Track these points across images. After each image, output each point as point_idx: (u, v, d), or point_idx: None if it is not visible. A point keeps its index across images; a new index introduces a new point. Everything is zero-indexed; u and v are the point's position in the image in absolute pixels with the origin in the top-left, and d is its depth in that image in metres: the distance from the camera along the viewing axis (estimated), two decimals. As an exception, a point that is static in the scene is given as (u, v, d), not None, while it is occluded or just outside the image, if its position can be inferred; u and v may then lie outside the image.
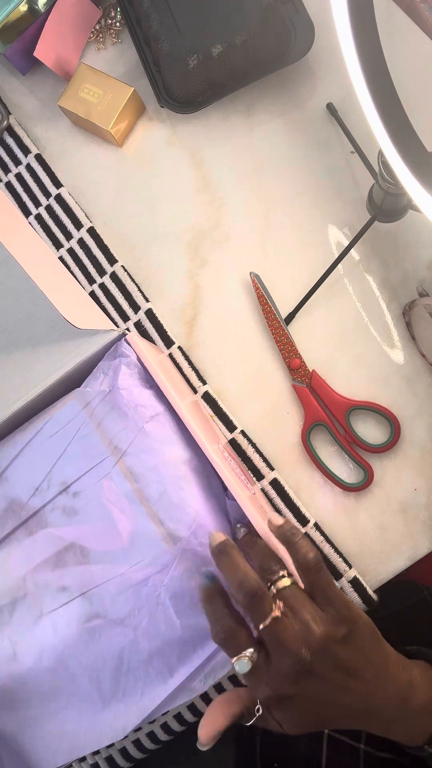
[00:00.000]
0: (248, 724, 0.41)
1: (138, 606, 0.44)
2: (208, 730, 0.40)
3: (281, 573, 0.41)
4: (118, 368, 0.47)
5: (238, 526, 0.46)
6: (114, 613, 0.45)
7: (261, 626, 0.39)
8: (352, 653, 0.39)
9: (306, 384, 0.55)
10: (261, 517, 0.48)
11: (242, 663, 0.39)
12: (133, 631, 0.45)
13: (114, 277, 0.60)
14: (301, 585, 0.41)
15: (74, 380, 0.49)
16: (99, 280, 0.60)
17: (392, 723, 0.41)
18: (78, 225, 0.61)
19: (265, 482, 0.54)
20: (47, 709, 0.47)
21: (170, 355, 0.58)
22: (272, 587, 0.40)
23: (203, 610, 0.42)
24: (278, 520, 0.42)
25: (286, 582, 0.40)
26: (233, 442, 0.55)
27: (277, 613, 0.39)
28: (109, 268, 0.60)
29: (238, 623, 0.40)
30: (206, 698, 0.54)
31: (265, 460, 0.55)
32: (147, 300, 0.59)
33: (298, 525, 0.53)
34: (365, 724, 0.41)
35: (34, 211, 0.62)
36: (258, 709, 0.40)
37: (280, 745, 0.55)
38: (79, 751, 0.45)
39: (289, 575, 0.41)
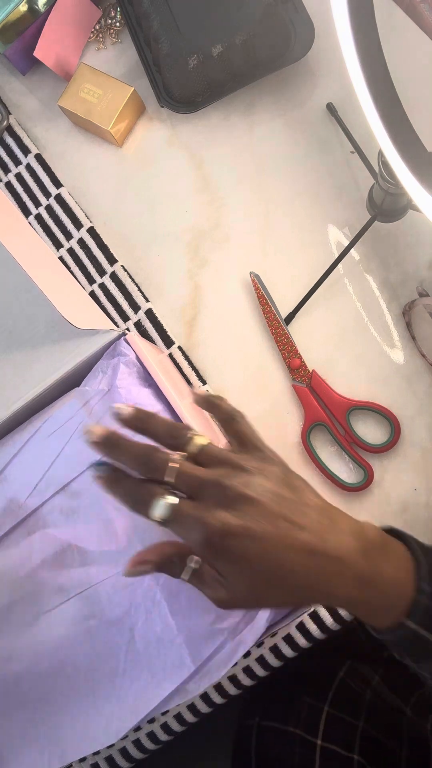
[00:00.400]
0: (181, 578, 0.37)
1: (134, 606, 0.44)
2: (133, 560, 0.37)
3: (189, 434, 0.38)
4: (117, 367, 0.47)
5: (117, 406, 0.39)
6: (110, 613, 0.45)
7: (168, 477, 0.35)
8: (290, 492, 0.36)
9: (306, 384, 0.55)
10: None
11: (159, 506, 0.35)
12: (129, 632, 0.45)
13: (114, 277, 0.60)
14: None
15: (74, 380, 0.49)
16: (99, 280, 0.60)
17: (349, 589, 0.35)
18: (78, 225, 0.61)
19: (265, 482, 0.54)
20: (42, 711, 0.46)
21: (170, 355, 0.58)
22: (193, 447, 0.37)
23: (112, 496, 0.37)
24: (200, 390, 0.41)
25: (200, 440, 0.37)
26: (233, 442, 0.55)
27: (180, 457, 0.36)
28: (109, 268, 0.60)
29: (155, 485, 0.36)
30: (207, 698, 0.54)
31: (265, 460, 0.55)
32: (147, 300, 0.59)
33: None
34: (318, 589, 0.35)
35: (34, 211, 0.62)
36: (195, 560, 0.36)
37: (275, 760, 0.55)
38: (74, 755, 0.45)
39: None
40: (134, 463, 0.37)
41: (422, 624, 0.35)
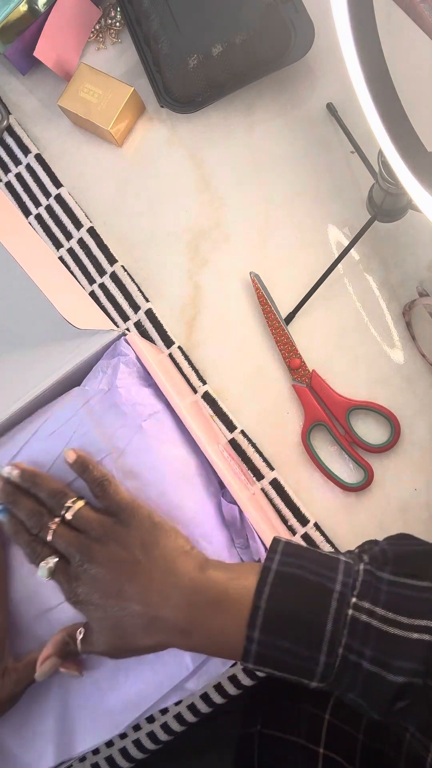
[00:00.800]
0: (78, 653, 0.43)
1: None
2: (38, 662, 0.43)
3: (66, 501, 0.44)
4: (117, 367, 0.47)
5: (5, 467, 0.46)
6: None
7: (49, 537, 0.43)
8: (123, 547, 0.41)
9: (306, 384, 0.55)
10: (260, 516, 0.48)
11: (41, 569, 0.43)
12: None
13: (114, 277, 0.60)
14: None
15: (74, 380, 0.49)
16: (99, 280, 0.60)
17: (175, 641, 0.40)
18: (78, 225, 0.61)
19: (265, 482, 0.54)
20: (41, 709, 0.47)
21: (170, 355, 0.58)
22: (68, 512, 0.43)
23: (16, 543, 0.45)
24: (72, 455, 0.45)
25: (79, 504, 0.44)
26: (233, 442, 0.55)
27: (56, 522, 0.43)
28: (109, 268, 0.60)
29: (39, 542, 0.43)
30: (207, 698, 0.54)
31: (265, 460, 0.55)
32: (147, 300, 0.59)
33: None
34: (158, 632, 0.40)
35: (34, 211, 0.62)
36: (80, 631, 0.42)
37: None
38: (81, 746, 0.45)
39: (80, 498, 0.44)
40: (26, 517, 0.44)
41: (260, 664, 0.37)
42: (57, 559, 0.43)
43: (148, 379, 0.49)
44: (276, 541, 0.40)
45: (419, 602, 0.36)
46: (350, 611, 0.36)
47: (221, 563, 0.41)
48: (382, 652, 0.35)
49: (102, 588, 0.41)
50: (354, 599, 0.36)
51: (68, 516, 0.43)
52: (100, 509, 0.44)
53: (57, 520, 0.43)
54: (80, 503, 0.44)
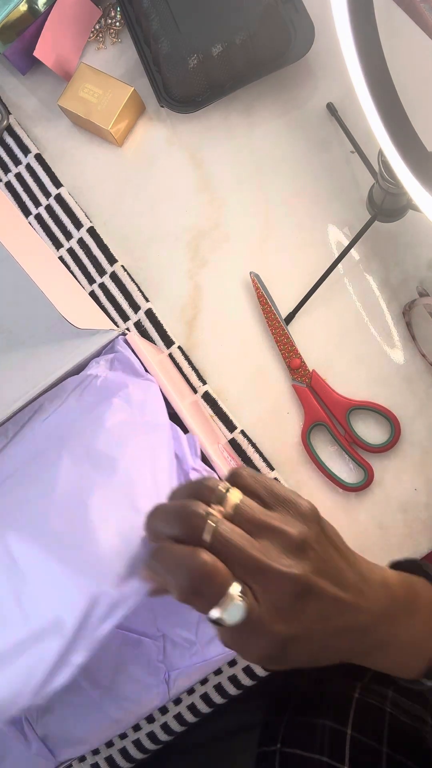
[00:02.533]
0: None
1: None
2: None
3: (220, 487, 0.31)
4: (111, 361, 0.47)
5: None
6: None
7: (207, 536, 0.29)
8: (333, 553, 0.33)
9: (306, 384, 0.55)
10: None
11: (234, 608, 0.28)
12: (125, 632, 0.45)
13: (114, 276, 0.60)
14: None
15: (74, 380, 0.49)
16: (99, 279, 0.60)
17: (382, 646, 0.34)
18: (78, 225, 0.61)
19: (265, 482, 0.54)
20: (40, 709, 0.47)
21: (170, 355, 0.58)
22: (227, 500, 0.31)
23: (158, 566, 0.31)
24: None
25: (235, 496, 0.31)
26: (233, 442, 0.55)
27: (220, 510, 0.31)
28: (109, 268, 0.60)
29: (210, 557, 0.29)
30: (207, 699, 0.54)
31: (265, 460, 0.55)
32: (147, 300, 0.59)
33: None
34: (357, 650, 0.34)
35: (34, 210, 0.62)
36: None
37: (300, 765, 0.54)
38: (91, 743, 0.46)
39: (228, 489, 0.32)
40: (166, 520, 0.31)
41: None
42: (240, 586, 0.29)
43: (141, 375, 0.48)
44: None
45: None
46: None
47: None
48: None
49: (318, 570, 0.31)
50: None
51: (227, 507, 0.30)
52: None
53: (214, 509, 0.30)
54: (237, 493, 0.31)
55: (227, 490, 0.31)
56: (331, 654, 0.33)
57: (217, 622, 0.29)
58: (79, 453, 0.39)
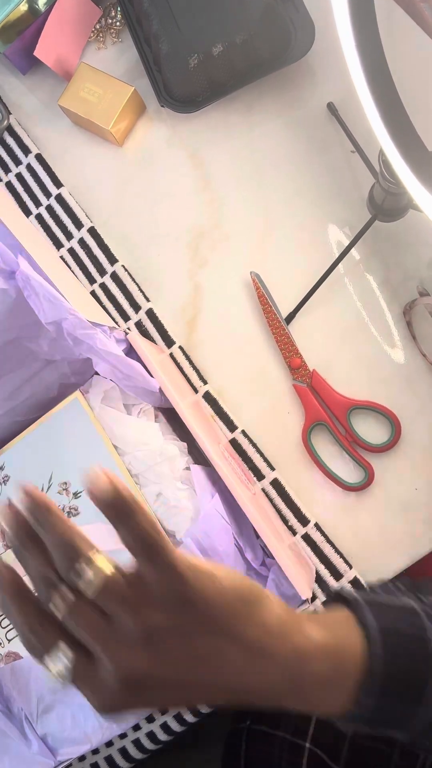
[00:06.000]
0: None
1: None
2: None
3: (85, 561, 0.29)
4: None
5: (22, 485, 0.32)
6: None
7: (59, 613, 0.29)
8: (199, 638, 0.30)
9: (306, 383, 0.55)
10: (262, 517, 0.48)
11: (52, 667, 0.29)
12: None
13: (114, 276, 0.60)
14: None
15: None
16: (99, 279, 0.60)
17: (290, 697, 0.32)
18: (78, 225, 0.61)
19: (265, 482, 0.54)
20: (40, 709, 0.47)
21: (171, 355, 0.58)
22: (86, 577, 0.29)
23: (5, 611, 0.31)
24: (106, 485, 0.30)
25: (98, 573, 0.29)
26: (234, 442, 0.55)
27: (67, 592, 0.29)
28: (109, 268, 0.60)
29: (45, 618, 0.30)
30: (207, 698, 0.54)
31: (265, 459, 0.55)
32: (147, 300, 0.59)
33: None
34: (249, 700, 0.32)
35: (34, 210, 0.62)
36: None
37: (263, 763, 0.55)
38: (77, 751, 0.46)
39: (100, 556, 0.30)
40: (32, 572, 0.30)
41: (362, 723, 0.33)
42: (71, 653, 0.29)
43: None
44: (345, 591, 0.35)
45: None
46: None
47: (312, 618, 0.33)
48: None
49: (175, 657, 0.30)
50: None
51: (83, 587, 0.29)
52: (131, 572, 0.30)
53: (65, 589, 0.29)
54: (101, 560, 0.29)
55: (92, 561, 0.29)
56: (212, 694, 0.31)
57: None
58: None
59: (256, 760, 0.56)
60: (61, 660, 0.29)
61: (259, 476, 0.55)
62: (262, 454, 0.55)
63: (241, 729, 0.58)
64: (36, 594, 0.30)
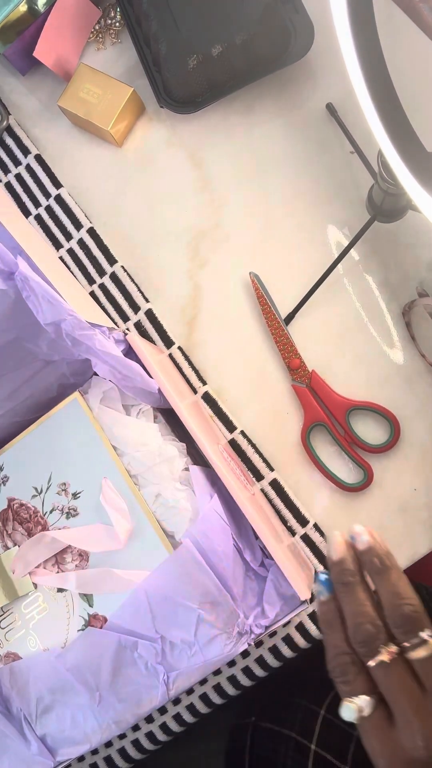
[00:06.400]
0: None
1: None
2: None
3: (423, 635, 0.31)
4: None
5: (356, 529, 0.35)
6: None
7: (372, 662, 0.32)
8: None
9: (306, 384, 0.55)
10: (260, 518, 0.48)
11: (347, 709, 0.32)
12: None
13: (114, 277, 0.60)
14: None
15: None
16: (99, 280, 0.60)
17: None
18: (78, 225, 0.61)
19: (264, 483, 0.54)
20: (39, 709, 0.47)
21: (170, 356, 0.58)
22: (418, 649, 0.32)
23: (321, 632, 0.35)
24: (364, 536, 0.33)
25: (424, 651, 0.31)
26: (233, 443, 0.55)
27: (392, 652, 0.32)
28: (108, 269, 0.60)
29: (356, 662, 0.33)
30: (206, 699, 0.54)
31: (264, 460, 0.55)
32: (147, 300, 0.59)
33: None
34: None
35: (33, 211, 0.62)
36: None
37: (268, 760, 0.55)
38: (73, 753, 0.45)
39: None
40: (349, 617, 0.33)
41: None
42: (373, 703, 0.32)
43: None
44: None
45: None
46: None
47: None
48: None
49: None
50: None
51: (415, 655, 0.31)
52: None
53: (395, 649, 0.32)
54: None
55: (425, 641, 0.31)
56: None
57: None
58: None
59: (262, 757, 0.56)
60: (362, 703, 0.32)
61: (258, 477, 0.55)
62: (261, 455, 0.55)
63: (246, 724, 0.58)
64: (350, 631, 0.33)
